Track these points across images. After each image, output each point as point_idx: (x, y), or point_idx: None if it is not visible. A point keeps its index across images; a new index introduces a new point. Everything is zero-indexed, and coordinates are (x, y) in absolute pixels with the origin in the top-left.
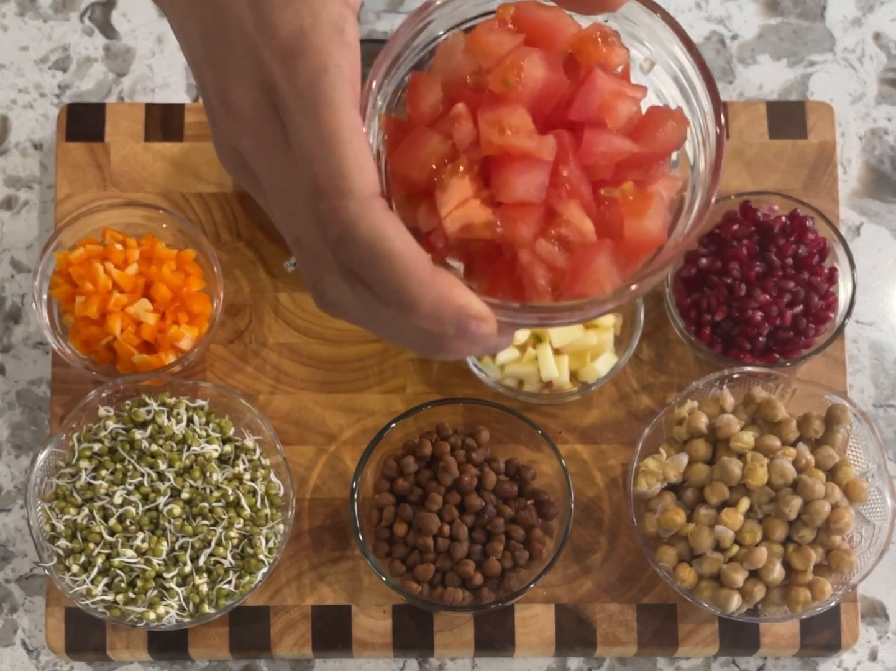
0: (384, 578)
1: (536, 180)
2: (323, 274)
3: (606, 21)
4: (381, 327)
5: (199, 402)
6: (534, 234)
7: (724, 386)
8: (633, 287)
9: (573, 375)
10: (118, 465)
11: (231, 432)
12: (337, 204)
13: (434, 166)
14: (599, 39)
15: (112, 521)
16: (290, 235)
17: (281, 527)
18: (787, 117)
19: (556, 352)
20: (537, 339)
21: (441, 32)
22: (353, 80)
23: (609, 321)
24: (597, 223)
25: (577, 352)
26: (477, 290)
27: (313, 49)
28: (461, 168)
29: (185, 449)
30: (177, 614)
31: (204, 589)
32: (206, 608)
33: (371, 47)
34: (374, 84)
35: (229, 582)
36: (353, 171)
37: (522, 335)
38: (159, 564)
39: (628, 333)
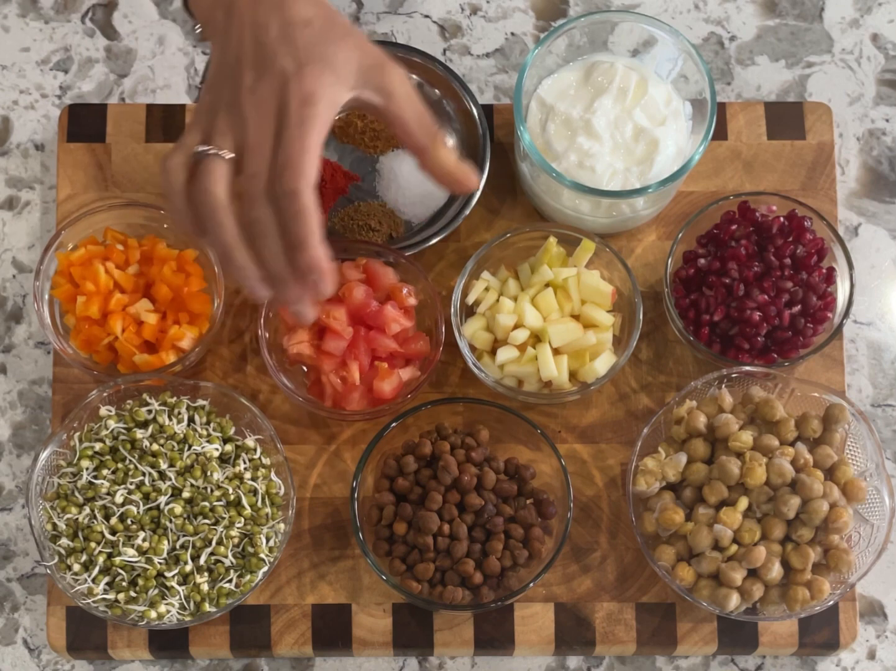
0: (384, 577)
1: (339, 344)
2: (255, 194)
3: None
4: (264, 244)
5: (200, 402)
6: (331, 369)
7: (723, 385)
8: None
9: (572, 375)
10: (119, 465)
11: (232, 432)
12: (297, 177)
13: (296, 320)
14: (403, 289)
15: (113, 520)
16: (250, 166)
17: (281, 526)
18: (786, 118)
19: (556, 351)
20: (537, 339)
21: None
22: (326, 121)
23: (608, 321)
24: (363, 377)
25: (576, 351)
26: (306, 385)
27: (317, 103)
28: (305, 326)
29: (186, 448)
30: (178, 613)
31: (205, 588)
32: (207, 607)
33: None
34: None
35: (230, 581)
36: (308, 166)
37: (522, 335)
38: (160, 563)
39: (627, 333)
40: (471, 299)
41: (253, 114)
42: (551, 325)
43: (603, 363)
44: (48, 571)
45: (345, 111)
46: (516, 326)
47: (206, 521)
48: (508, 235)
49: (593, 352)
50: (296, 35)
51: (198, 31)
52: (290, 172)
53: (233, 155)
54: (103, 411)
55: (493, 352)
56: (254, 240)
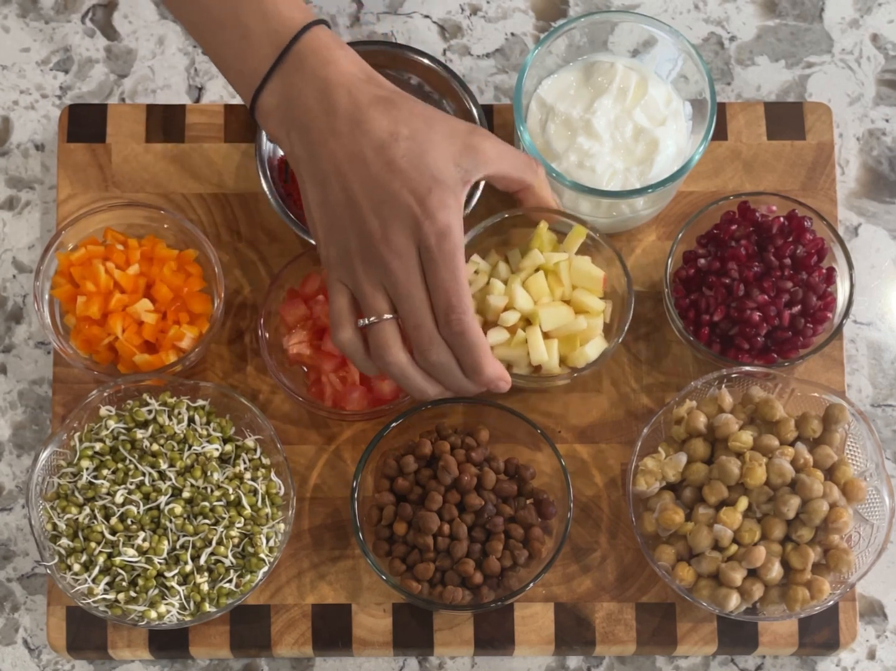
0: (384, 577)
1: None
2: (426, 344)
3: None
4: (447, 376)
5: (200, 402)
6: (331, 369)
7: (723, 385)
8: None
9: (562, 360)
10: (119, 465)
11: (232, 432)
12: (462, 314)
13: (296, 320)
14: None
15: (113, 520)
16: (411, 317)
17: (281, 526)
18: (786, 118)
19: (546, 335)
20: (527, 323)
21: None
22: (463, 248)
23: (599, 306)
24: (363, 377)
25: (566, 336)
26: (306, 385)
27: (453, 234)
28: (305, 326)
29: (186, 448)
30: (178, 613)
31: (205, 588)
32: (207, 607)
33: (370, 48)
34: None
35: (230, 581)
36: (469, 301)
37: (513, 317)
38: (160, 563)
39: (618, 319)
40: None
41: (397, 264)
42: (542, 309)
43: (593, 348)
44: (48, 571)
45: None
46: (507, 308)
47: (206, 521)
48: (506, 215)
49: (584, 336)
50: (396, 158)
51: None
52: (455, 315)
53: (392, 316)
54: (103, 411)
55: None
56: (435, 376)
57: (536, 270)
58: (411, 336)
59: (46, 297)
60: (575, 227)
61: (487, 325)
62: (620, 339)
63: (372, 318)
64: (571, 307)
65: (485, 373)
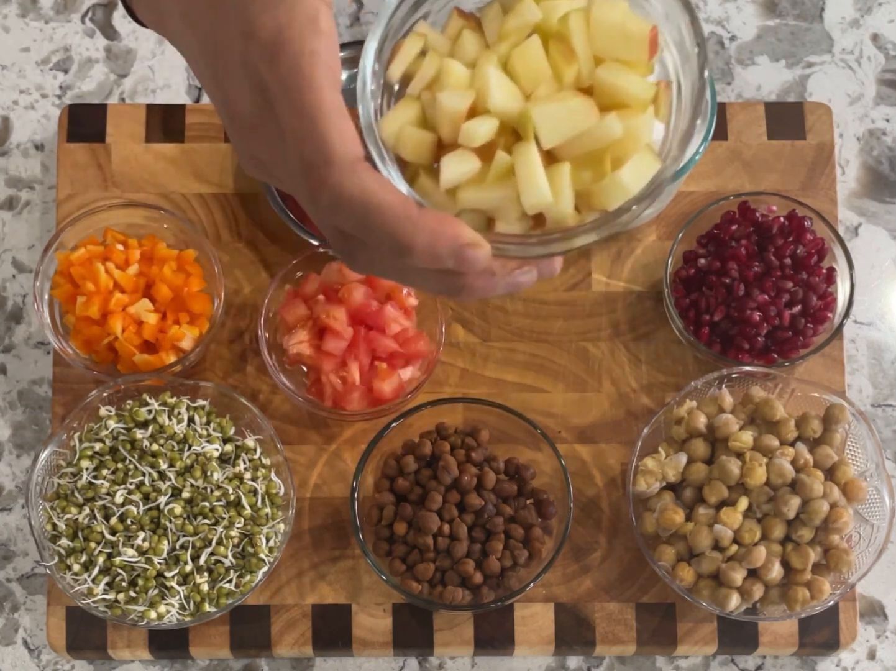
0: (384, 577)
1: (339, 344)
2: (331, 235)
3: None
4: (400, 277)
5: (200, 402)
6: (330, 369)
7: (723, 386)
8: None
9: (582, 198)
10: (119, 465)
11: (232, 432)
12: (323, 172)
13: (296, 320)
14: (403, 289)
15: (113, 521)
16: (313, 218)
17: (281, 526)
18: (786, 118)
19: (550, 156)
20: (514, 136)
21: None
22: (329, 63)
23: (643, 93)
24: (363, 377)
25: (587, 154)
26: (306, 385)
27: (290, 40)
28: (305, 326)
29: (186, 448)
30: (177, 613)
31: (205, 588)
32: (207, 607)
33: None
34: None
35: (230, 581)
36: (334, 140)
37: (485, 126)
38: (160, 563)
39: (684, 115)
40: (395, 72)
41: (258, 144)
42: (538, 106)
43: (637, 170)
44: (48, 571)
45: None
46: (473, 112)
47: (206, 522)
48: None
49: (619, 152)
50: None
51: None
52: (308, 168)
53: None
54: (103, 411)
55: (434, 169)
56: (398, 282)
57: (529, 36)
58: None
59: (46, 297)
60: None
61: (443, 148)
62: (700, 151)
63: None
64: (593, 98)
65: (416, 245)
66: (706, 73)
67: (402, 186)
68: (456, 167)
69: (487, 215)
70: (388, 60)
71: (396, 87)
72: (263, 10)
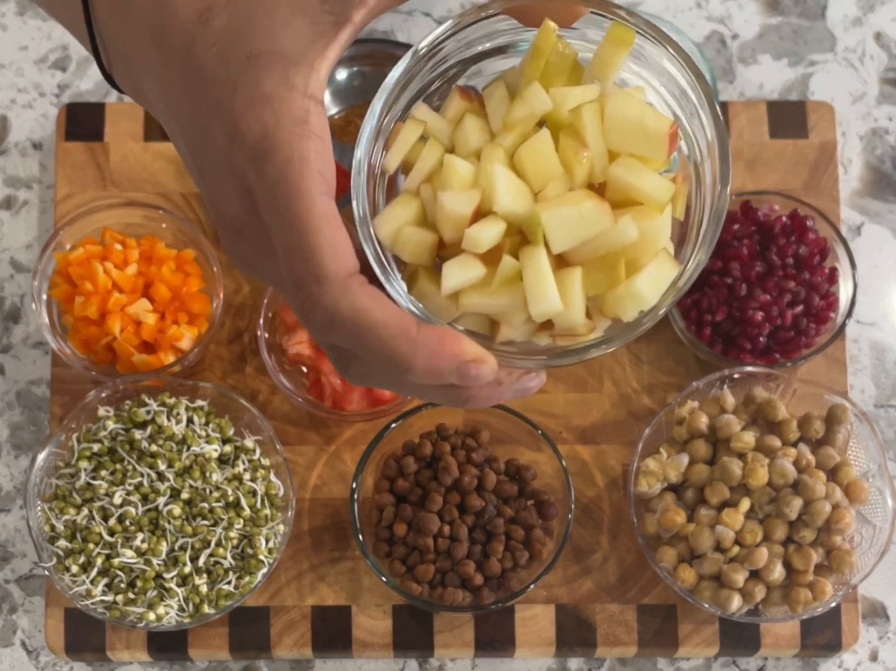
0: (384, 579)
1: None
2: (327, 349)
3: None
4: (400, 390)
5: (199, 402)
6: (330, 369)
7: (725, 386)
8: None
9: (596, 307)
10: (118, 466)
11: (231, 432)
12: (315, 290)
13: (295, 320)
14: None
15: (112, 522)
16: (308, 330)
17: (281, 527)
18: (788, 117)
19: (560, 260)
20: (522, 238)
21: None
22: (320, 169)
23: (662, 193)
24: None
25: (599, 259)
26: (305, 385)
27: (277, 145)
28: (304, 328)
29: (185, 449)
30: (176, 615)
31: (204, 589)
32: (206, 608)
33: (372, 47)
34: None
35: (229, 582)
36: (325, 256)
37: (491, 231)
38: (159, 565)
39: (698, 217)
40: (393, 162)
41: (239, 241)
42: (549, 209)
43: (653, 278)
44: (46, 573)
45: (344, 107)
46: (479, 214)
47: (205, 523)
48: (480, 16)
49: (634, 255)
50: (203, 59)
51: None
52: (304, 292)
53: None
54: (102, 412)
55: (435, 269)
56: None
57: (538, 126)
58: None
59: (44, 296)
60: (612, 28)
61: (445, 250)
62: (709, 253)
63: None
64: (605, 198)
65: (416, 366)
66: (729, 170)
67: (400, 290)
68: (458, 274)
69: (493, 319)
70: (386, 147)
71: (394, 175)
72: (248, 107)
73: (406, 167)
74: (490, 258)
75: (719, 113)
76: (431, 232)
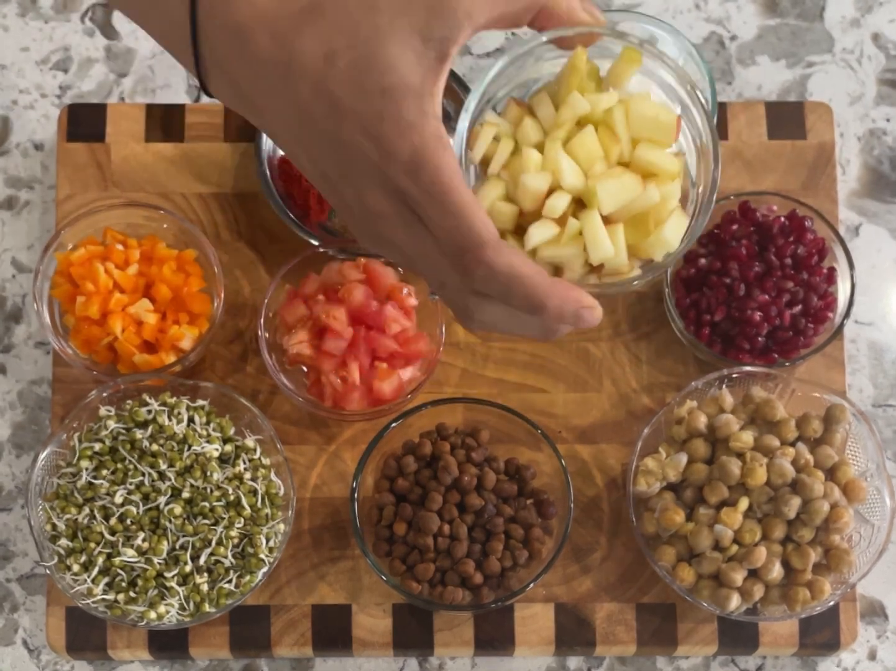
0: (384, 577)
1: (339, 344)
2: (468, 302)
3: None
4: (516, 328)
5: (200, 402)
6: (331, 369)
7: (724, 386)
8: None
9: (633, 252)
10: (119, 465)
11: (231, 432)
12: (479, 253)
13: (296, 320)
14: (403, 289)
15: (113, 521)
16: (436, 281)
17: (281, 526)
18: (786, 118)
19: (607, 220)
20: (581, 206)
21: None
22: (457, 168)
23: (674, 166)
24: (363, 377)
25: (635, 218)
26: (306, 385)
27: (427, 158)
28: (305, 326)
29: (186, 448)
30: (177, 613)
31: (204, 588)
32: (207, 607)
33: None
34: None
35: (230, 581)
36: (482, 229)
37: (562, 202)
38: (160, 564)
39: (702, 180)
40: (477, 155)
41: (387, 228)
42: (600, 182)
43: (674, 229)
44: (48, 572)
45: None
46: (552, 190)
47: (206, 522)
48: (522, 50)
49: (658, 213)
50: (337, 92)
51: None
52: (471, 256)
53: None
54: (103, 411)
55: (517, 232)
56: (504, 332)
57: (580, 124)
58: (445, 301)
59: (46, 297)
60: (624, 51)
61: (524, 217)
62: (710, 213)
63: (431, 294)
64: (636, 172)
65: (549, 307)
66: (719, 152)
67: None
68: (541, 233)
69: (556, 265)
70: (469, 146)
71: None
72: (398, 132)
73: (485, 160)
74: (559, 222)
75: (706, 107)
76: (515, 205)
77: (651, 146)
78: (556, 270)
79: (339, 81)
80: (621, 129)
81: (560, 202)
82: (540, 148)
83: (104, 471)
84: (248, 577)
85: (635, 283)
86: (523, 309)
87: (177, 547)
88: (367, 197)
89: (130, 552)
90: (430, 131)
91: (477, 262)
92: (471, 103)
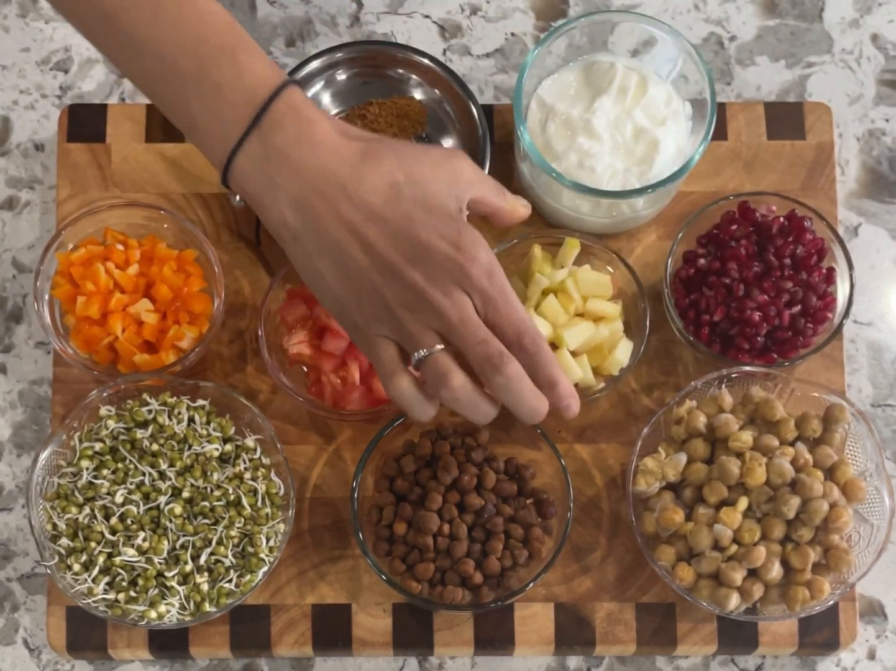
0: (384, 577)
1: (339, 344)
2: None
3: None
4: (520, 398)
5: (200, 402)
6: (331, 369)
7: (723, 385)
8: None
9: (596, 371)
10: (119, 465)
11: (232, 432)
12: (535, 336)
13: (296, 320)
14: None
15: (113, 520)
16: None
17: (281, 526)
18: (786, 118)
19: (574, 354)
20: (554, 348)
21: None
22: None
23: (614, 310)
24: (363, 377)
25: (594, 349)
26: (306, 385)
27: (497, 268)
28: (305, 326)
29: (186, 448)
30: (178, 613)
31: (205, 588)
32: (207, 607)
33: (372, 49)
34: None
35: (230, 581)
36: (532, 321)
37: None
38: (160, 563)
39: (635, 315)
40: None
41: (448, 304)
42: (564, 330)
43: (623, 351)
44: (48, 571)
45: None
46: None
47: (206, 521)
48: (503, 248)
49: (610, 343)
50: (408, 208)
51: (238, 202)
52: (528, 338)
53: (443, 346)
54: (103, 411)
55: None
56: (507, 396)
57: (544, 294)
58: (475, 354)
59: (46, 297)
60: (567, 241)
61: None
62: (647, 333)
63: (424, 352)
64: (588, 318)
65: (561, 384)
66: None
67: None
68: None
69: None
70: None
71: None
72: (475, 248)
73: None
74: None
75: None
76: None
77: (596, 300)
78: None
79: (407, 201)
80: (574, 292)
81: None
82: None
83: (104, 471)
84: (248, 577)
85: (603, 392)
86: (545, 380)
87: (177, 546)
88: (438, 280)
89: (131, 552)
90: (478, 237)
91: (533, 339)
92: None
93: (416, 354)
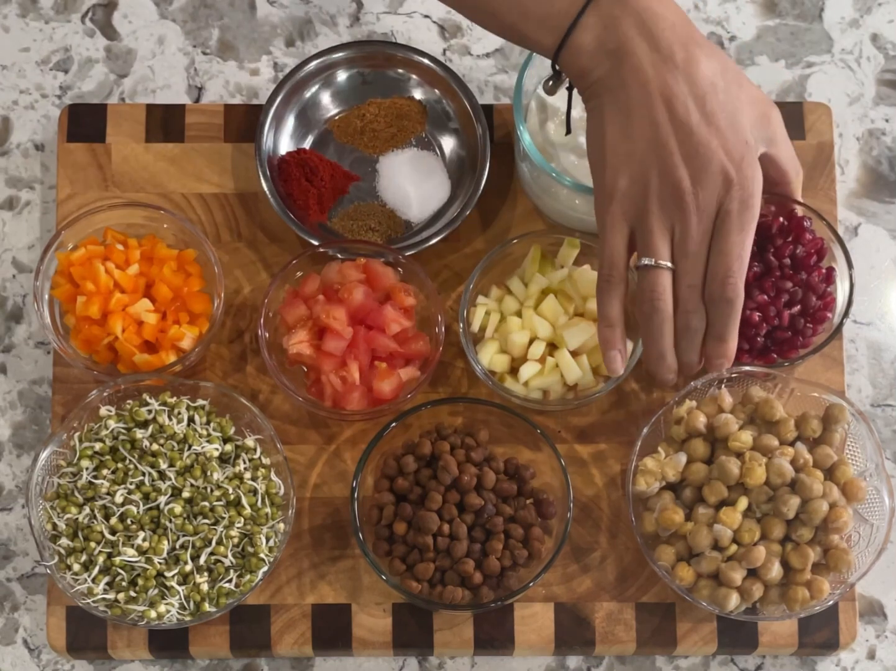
0: (384, 577)
1: (339, 344)
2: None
3: None
4: (690, 349)
5: (200, 402)
6: (331, 369)
7: (723, 386)
8: None
9: (597, 371)
10: (119, 465)
11: (231, 431)
12: (739, 281)
13: (296, 320)
14: (403, 289)
15: (113, 520)
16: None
17: (281, 526)
18: (786, 118)
19: (574, 353)
20: (553, 347)
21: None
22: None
23: None
24: (363, 377)
25: (593, 348)
26: (306, 385)
27: (756, 203)
28: (305, 326)
29: (186, 448)
30: (178, 613)
31: (204, 587)
32: (207, 607)
33: (371, 49)
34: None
35: (230, 580)
36: (746, 265)
37: (539, 348)
38: (160, 563)
39: (635, 315)
40: (475, 327)
41: (696, 219)
42: (564, 330)
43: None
44: (48, 571)
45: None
46: (531, 341)
47: (206, 521)
48: (501, 247)
49: None
50: (715, 111)
51: (550, 84)
52: (733, 279)
53: (671, 265)
54: (103, 411)
55: (512, 372)
56: (680, 339)
57: (544, 294)
58: (682, 295)
59: (46, 296)
60: (567, 241)
61: (515, 362)
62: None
63: (652, 261)
64: (588, 318)
65: (727, 343)
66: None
67: (491, 382)
68: (529, 371)
69: (545, 390)
70: (468, 322)
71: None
72: (752, 175)
73: (482, 328)
74: (540, 360)
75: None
76: (507, 355)
77: (594, 299)
78: (544, 394)
79: (717, 105)
80: (573, 292)
81: (539, 348)
82: (518, 314)
83: (104, 471)
84: (248, 577)
85: (602, 392)
86: (717, 332)
87: (177, 546)
88: (702, 187)
89: (131, 551)
90: (761, 188)
91: (735, 283)
92: (465, 299)
93: (644, 260)
